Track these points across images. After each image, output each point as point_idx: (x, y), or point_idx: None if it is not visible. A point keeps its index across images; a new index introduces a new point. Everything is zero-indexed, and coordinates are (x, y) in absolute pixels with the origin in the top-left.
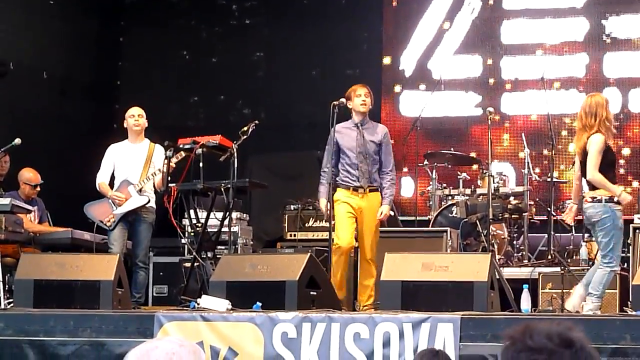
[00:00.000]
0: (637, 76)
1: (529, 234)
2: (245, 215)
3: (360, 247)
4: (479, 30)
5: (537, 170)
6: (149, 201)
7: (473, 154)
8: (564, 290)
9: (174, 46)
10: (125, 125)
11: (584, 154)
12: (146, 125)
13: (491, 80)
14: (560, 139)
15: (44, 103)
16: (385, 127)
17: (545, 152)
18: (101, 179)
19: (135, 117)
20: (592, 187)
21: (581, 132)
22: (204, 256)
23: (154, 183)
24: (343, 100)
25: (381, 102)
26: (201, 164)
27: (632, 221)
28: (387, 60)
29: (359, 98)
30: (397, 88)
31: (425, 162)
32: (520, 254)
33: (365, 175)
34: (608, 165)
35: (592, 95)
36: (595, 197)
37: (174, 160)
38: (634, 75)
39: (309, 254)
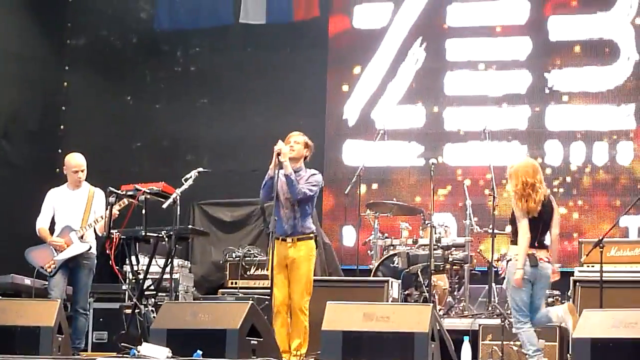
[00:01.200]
0: (578, 129)
1: (470, 285)
2: (187, 262)
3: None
4: (423, 80)
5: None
6: (90, 248)
7: (415, 205)
8: (504, 342)
9: (118, 91)
10: (65, 172)
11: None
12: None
13: (434, 131)
14: (501, 190)
15: None
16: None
17: (487, 203)
18: (41, 224)
19: (79, 174)
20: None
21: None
22: (145, 303)
23: (95, 229)
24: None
25: (324, 151)
26: (144, 211)
27: (572, 274)
28: (330, 109)
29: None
30: (341, 137)
31: (368, 211)
32: (461, 305)
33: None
34: None
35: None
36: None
37: (116, 207)
38: (574, 129)
39: (250, 302)
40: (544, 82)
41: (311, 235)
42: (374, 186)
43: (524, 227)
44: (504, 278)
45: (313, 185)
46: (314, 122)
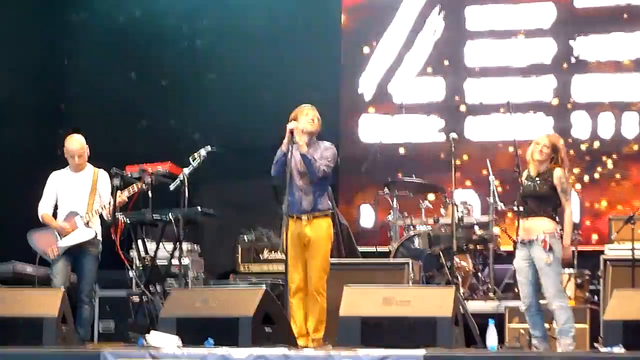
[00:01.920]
0: (606, 100)
1: (494, 266)
2: (196, 246)
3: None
4: (442, 51)
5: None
6: (95, 235)
7: (436, 182)
8: None
9: (121, 68)
10: (65, 155)
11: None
12: (88, 154)
13: (454, 104)
14: (526, 166)
15: None
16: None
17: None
18: (43, 210)
19: (75, 158)
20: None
21: None
22: (153, 290)
23: (101, 214)
24: None
25: (339, 127)
26: (150, 193)
27: (602, 252)
28: (345, 83)
29: (307, 117)
30: (357, 112)
31: (386, 190)
32: (485, 287)
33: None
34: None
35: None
36: None
37: (125, 194)
38: (602, 99)
39: (264, 288)
40: (570, 50)
41: (328, 212)
42: (392, 163)
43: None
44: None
45: (329, 161)
46: (328, 97)
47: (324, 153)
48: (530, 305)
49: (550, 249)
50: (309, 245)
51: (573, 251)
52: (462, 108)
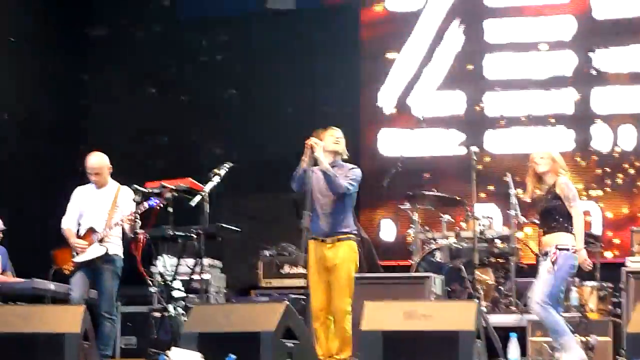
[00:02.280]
0: (627, 112)
1: (516, 279)
2: (217, 261)
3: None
4: (461, 64)
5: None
6: (106, 252)
7: (457, 195)
8: None
9: (141, 83)
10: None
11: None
12: (109, 171)
13: (474, 117)
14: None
15: (5, 145)
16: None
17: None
18: (66, 225)
19: (92, 176)
20: None
21: None
22: (175, 306)
23: (123, 227)
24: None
25: (359, 141)
26: (170, 209)
27: (623, 264)
28: (365, 97)
29: (332, 137)
30: (376, 126)
31: (407, 204)
32: (507, 300)
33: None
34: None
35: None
36: None
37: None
38: (623, 111)
39: (285, 302)
40: (590, 62)
41: (351, 235)
42: (413, 177)
43: (582, 207)
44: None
45: (352, 180)
46: (348, 111)
47: (348, 173)
48: None
49: (556, 261)
50: (333, 269)
51: (594, 263)
52: (483, 121)
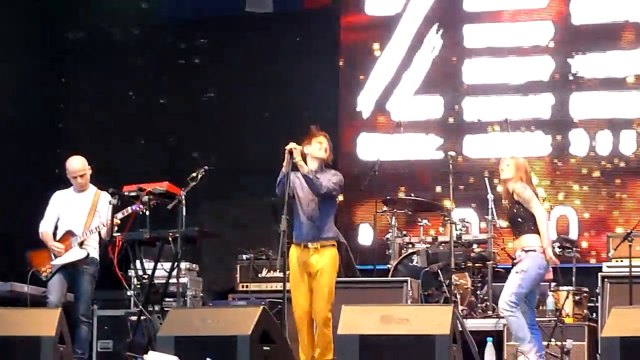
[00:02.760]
0: (604, 117)
1: (493, 283)
2: (194, 265)
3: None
4: (440, 69)
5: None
6: (87, 255)
7: (434, 200)
8: None
9: (119, 86)
10: (67, 176)
11: None
12: (90, 174)
13: (452, 122)
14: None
15: None
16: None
17: None
18: (44, 228)
19: (78, 179)
20: None
21: None
22: (151, 309)
23: (100, 232)
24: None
25: (338, 145)
26: (147, 212)
27: (600, 269)
28: (343, 101)
29: (319, 144)
30: (355, 130)
31: (385, 208)
32: (484, 305)
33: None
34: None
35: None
36: None
37: (119, 215)
38: (600, 117)
39: (262, 306)
40: (568, 68)
41: (334, 241)
42: (391, 181)
43: (540, 204)
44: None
45: (335, 184)
46: (327, 115)
47: (332, 178)
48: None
49: (521, 262)
50: (315, 275)
51: (571, 268)
52: (460, 126)
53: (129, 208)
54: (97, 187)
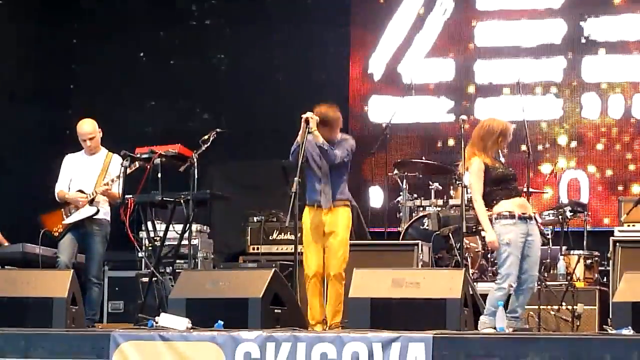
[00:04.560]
0: (617, 80)
1: None
2: (205, 227)
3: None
4: (452, 32)
5: None
6: (97, 212)
7: (445, 163)
8: (541, 307)
9: (130, 48)
10: (79, 139)
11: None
12: (100, 136)
13: (464, 85)
14: (536, 147)
15: None
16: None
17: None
18: (59, 188)
19: (87, 142)
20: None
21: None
22: (163, 271)
23: (109, 193)
24: None
25: (349, 108)
26: (159, 175)
27: (612, 233)
28: (354, 63)
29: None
30: (366, 93)
31: (395, 171)
32: (494, 268)
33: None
34: (493, 183)
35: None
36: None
37: (127, 170)
38: (613, 80)
39: (273, 269)
40: (580, 31)
41: (347, 202)
42: (402, 144)
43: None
44: (543, 239)
45: (346, 150)
46: (338, 77)
47: (343, 144)
48: (519, 282)
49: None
50: (330, 234)
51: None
52: (472, 89)
53: (136, 163)
54: (109, 148)
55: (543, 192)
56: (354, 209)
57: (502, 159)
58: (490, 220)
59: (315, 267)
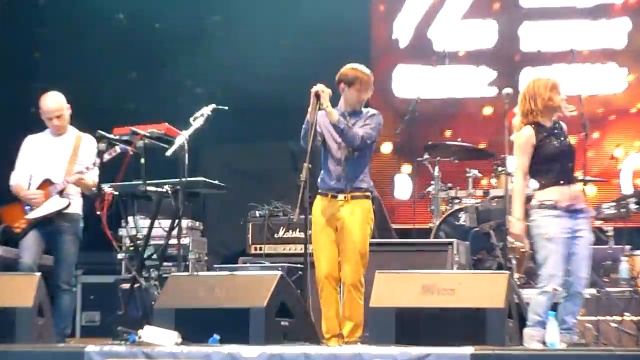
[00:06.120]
0: None
1: None
2: (198, 223)
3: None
4: None
5: None
6: (69, 204)
7: (485, 147)
8: (600, 318)
9: (108, 9)
10: (42, 117)
11: None
12: (69, 114)
13: (508, 52)
14: (594, 126)
15: None
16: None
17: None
18: (15, 180)
19: (54, 120)
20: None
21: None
22: (147, 276)
23: (82, 183)
24: None
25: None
26: (142, 160)
27: None
28: (376, 27)
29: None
30: (390, 62)
31: (426, 155)
32: None
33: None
34: (544, 162)
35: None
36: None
37: (105, 156)
38: None
39: (279, 273)
40: None
41: (368, 193)
42: (434, 123)
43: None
44: (602, 237)
45: (372, 129)
46: (357, 43)
47: (367, 120)
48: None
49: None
50: (343, 229)
51: None
52: (517, 57)
53: (117, 148)
54: (83, 129)
55: (605, 181)
56: (375, 200)
57: (564, 127)
58: (530, 207)
59: (327, 268)
